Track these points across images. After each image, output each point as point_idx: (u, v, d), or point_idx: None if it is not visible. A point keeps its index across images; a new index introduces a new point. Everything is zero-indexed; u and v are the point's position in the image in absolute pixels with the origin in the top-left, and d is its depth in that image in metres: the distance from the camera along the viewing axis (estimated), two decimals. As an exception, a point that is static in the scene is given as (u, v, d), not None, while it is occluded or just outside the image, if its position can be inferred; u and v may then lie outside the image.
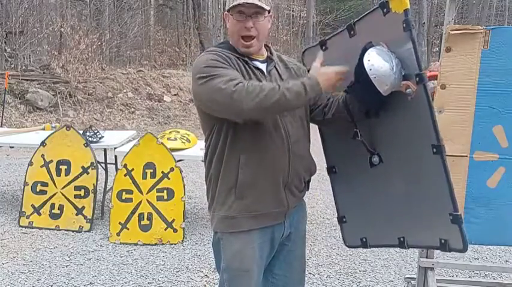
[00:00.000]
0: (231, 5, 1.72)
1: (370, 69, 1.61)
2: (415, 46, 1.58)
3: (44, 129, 5.30)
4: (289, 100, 1.60)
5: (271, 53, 1.86)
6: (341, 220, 2.03)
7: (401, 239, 1.78)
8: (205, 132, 1.83)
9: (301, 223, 2.00)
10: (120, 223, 3.96)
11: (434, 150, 1.60)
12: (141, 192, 3.99)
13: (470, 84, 2.05)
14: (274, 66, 1.83)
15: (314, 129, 1.96)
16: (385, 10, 1.63)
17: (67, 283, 3.22)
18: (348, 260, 3.65)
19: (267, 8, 1.73)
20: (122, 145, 4.54)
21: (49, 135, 4.36)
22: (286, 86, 1.61)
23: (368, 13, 1.72)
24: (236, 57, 1.75)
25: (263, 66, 1.80)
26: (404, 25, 1.58)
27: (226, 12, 1.77)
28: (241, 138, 1.72)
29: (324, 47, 1.90)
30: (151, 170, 4.01)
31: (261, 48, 1.81)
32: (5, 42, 12.30)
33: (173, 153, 4.09)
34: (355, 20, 1.78)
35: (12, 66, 11.92)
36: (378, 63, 1.61)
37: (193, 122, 10.86)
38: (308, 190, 1.97)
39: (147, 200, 3.98)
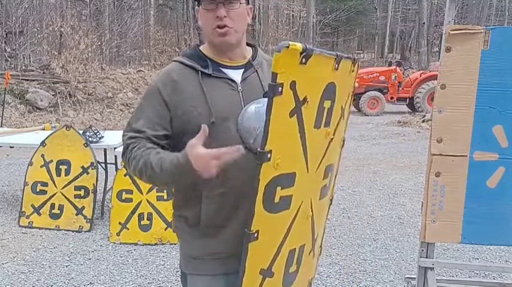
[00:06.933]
0: None
1: (240, 120, 1.41)
2: (267, 119, 1.21)
3: (43, 129, 5.31)
4: (150, 175, 1.43)
5: (255, 55, 1.58)
6: None
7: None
8: None
9: None
10: (120, 223, 3.96)
11: None
12: (141, 192, 3.99)
13: (470, 84, 2.05)
14: (255, 71, 1.53)
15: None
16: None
17: (67, 283, 3.22)
18: (348, 260, 3.65)
19: None
20: (122, 145, 4.54)
21: (49, 135, 4.36)
22: (149, 159, 1.43)
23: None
24: (195, 71, 1.48)
25: (237, 74, 1.51)
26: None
27: (196, 7, 1.51)
28: None
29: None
30: (151, 170, 4.01)
31: (240, 44, 1.53)
32: (5, 42, 12.31)
33: (173, 153, 4.09)
34: None
35: (12, 66, 11.94)
36: (246, 118, 1.39)
37: (193, 122, 10.86)
38: None
39: (147, 200, 3.98)
